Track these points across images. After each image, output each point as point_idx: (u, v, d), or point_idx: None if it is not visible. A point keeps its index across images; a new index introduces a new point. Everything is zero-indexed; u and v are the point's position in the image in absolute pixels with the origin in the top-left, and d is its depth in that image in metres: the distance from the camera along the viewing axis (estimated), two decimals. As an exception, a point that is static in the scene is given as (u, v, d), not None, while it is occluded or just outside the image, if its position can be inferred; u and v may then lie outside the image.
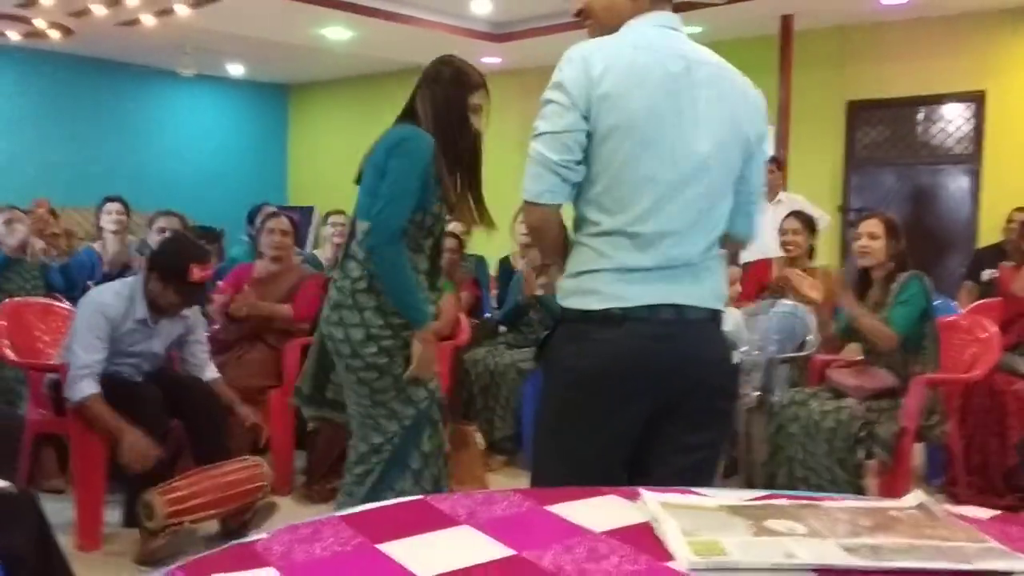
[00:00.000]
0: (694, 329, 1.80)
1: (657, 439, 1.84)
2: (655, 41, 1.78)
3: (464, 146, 2.51)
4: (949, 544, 1.07)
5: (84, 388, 3.09)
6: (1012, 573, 1.00)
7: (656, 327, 1.76)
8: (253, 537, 1.09)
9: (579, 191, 1.79)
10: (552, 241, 1.86)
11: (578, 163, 1.75)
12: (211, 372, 3.57)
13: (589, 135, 1.74)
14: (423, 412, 2.50)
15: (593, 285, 1.77)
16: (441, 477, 2.56)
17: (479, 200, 2.59)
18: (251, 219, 5.08)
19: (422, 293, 2.46)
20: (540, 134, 1.75)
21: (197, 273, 3.27)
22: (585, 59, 1.73)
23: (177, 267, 3.25)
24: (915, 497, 1.25)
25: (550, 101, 1.75)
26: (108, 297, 3.28)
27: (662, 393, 1.80)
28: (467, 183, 2.57)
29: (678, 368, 1.79)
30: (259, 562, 1.01)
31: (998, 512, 1.26)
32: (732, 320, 3.60)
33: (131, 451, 3.00)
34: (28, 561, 1.89)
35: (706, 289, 1.83)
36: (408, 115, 2.53)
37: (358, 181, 2.56)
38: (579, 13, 1.91)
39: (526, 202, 1.79)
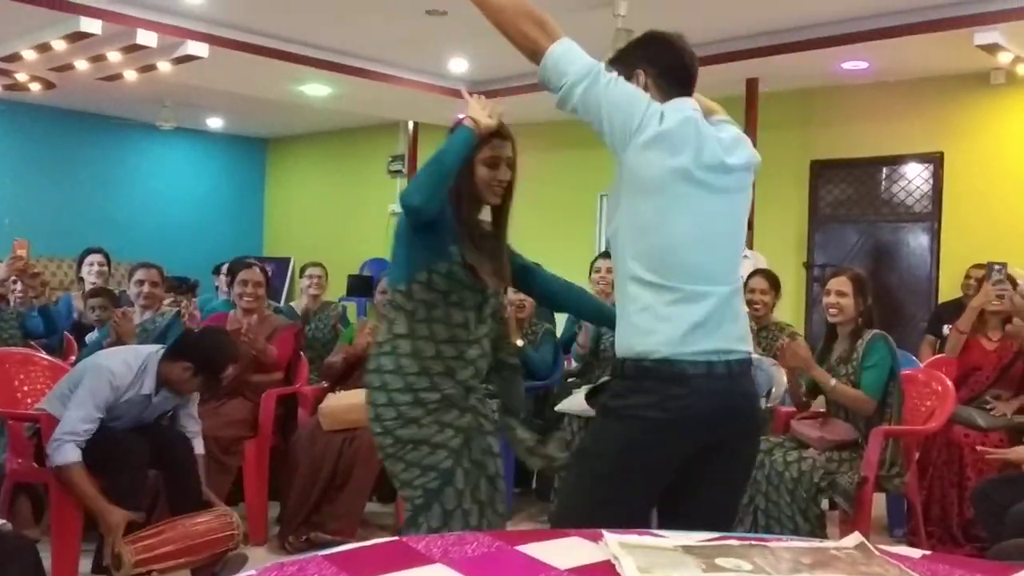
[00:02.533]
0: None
1: (693, 475, 2.03)
2: None
3: (472, 204, 2.34)
4: (880, 580, 1.18)
5: (68, 454, 3.07)
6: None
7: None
8: (243, 575, 1.18)
9: None
10: None
11: None
12: (199, 447, 3.52)
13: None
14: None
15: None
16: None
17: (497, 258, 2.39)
18: (229, 272, 5.17)
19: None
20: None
21: (230, 371, 3.43)
22: None
23: (216, 364, 3.36)
24: (854, 538, 1.36)
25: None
26: (118, 366, 3.25)
27: (712, 437, 2.01)
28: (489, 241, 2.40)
29: (729, 415, 2.01)
30: (249, 596, 1.10)
31: (928, 552, 1.37)
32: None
33: (109, 533, 3.03)
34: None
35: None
36: None
37: None
38: None
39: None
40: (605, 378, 4.27)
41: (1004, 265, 3.83)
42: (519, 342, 4.68)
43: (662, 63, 2.11)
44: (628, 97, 1.99)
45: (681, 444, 1.99)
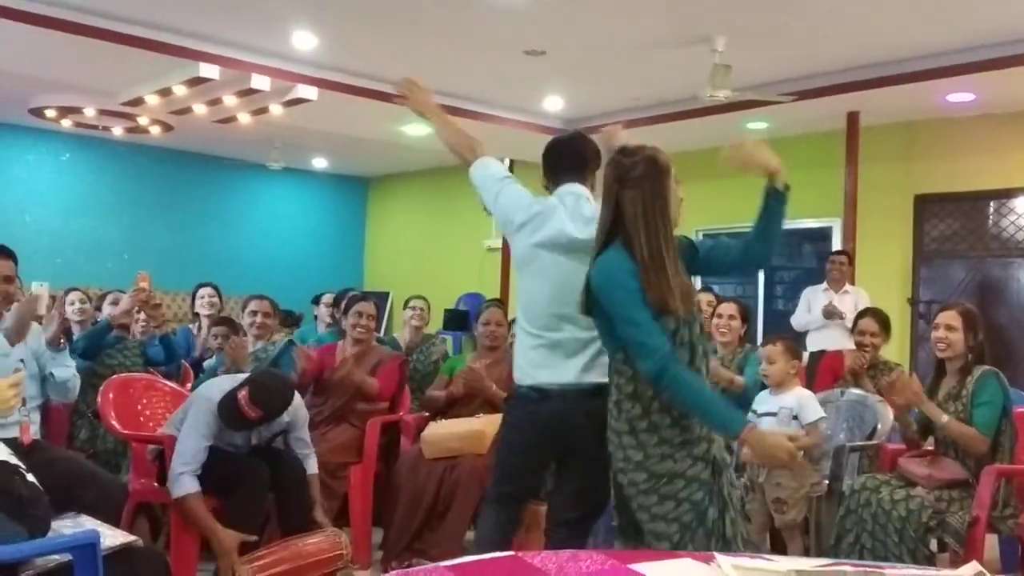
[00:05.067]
0: None
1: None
2: None
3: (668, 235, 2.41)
4: (1000, 607, 1.18)
5: (185, 486, 3.28)
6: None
7: None
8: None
9: None
10: None
11: None
12: (312, 467, 3.68)
13: None
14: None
15: None
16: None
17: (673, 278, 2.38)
18: (337, 304, 5.35)
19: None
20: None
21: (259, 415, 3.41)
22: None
23: (272, 408, 3.42)
24: (972, 567, 1.35)
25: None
26: (217, 396, 3.42)
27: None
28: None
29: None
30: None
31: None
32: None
33: (224, 556, 3.21)
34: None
35: None
36: (613, 229, 2.46)
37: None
38: None
39: None
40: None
41: None
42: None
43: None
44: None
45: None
